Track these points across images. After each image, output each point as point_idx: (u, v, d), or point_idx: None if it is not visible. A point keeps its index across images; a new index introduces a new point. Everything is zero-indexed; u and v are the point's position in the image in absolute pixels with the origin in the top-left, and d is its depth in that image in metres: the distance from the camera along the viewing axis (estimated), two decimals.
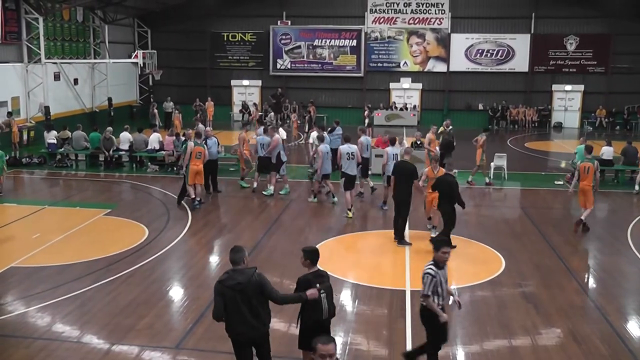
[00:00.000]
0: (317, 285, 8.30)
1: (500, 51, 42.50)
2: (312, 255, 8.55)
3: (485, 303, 12.50)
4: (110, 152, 25.96)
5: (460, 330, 11.31)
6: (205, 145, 20.07)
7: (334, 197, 20.33)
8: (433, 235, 15.61)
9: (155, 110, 37.43)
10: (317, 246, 9.66)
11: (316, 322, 8.46)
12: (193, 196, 19.46)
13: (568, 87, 42.48)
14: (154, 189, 22.31)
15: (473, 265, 14.70)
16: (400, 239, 15.90)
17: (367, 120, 36.53)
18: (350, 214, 18.62)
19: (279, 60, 44.38)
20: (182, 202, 19.91)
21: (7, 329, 11.02)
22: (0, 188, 21.24)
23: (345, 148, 19.06)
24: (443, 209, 15.07)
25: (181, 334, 10.86)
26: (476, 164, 23.21)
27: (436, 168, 16.27)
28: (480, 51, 42.66)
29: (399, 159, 17.90)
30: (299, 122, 36.30)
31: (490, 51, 42.67)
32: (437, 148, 23.18)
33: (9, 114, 30.32)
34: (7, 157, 24.24)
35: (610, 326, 11.35)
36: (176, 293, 13.11)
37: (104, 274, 13.69)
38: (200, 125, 26.05)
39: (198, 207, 19.42)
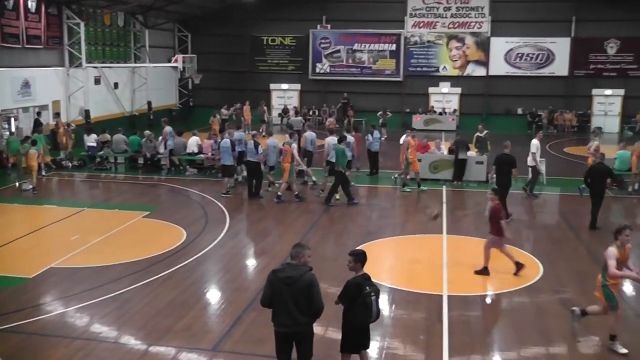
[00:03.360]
0: (367, 288, 8.37)
1: (540, 55, 42.09)
2: (362, 258, 8.59)
3: (523, 309, 12.37)
4: (148, 155, 26.15)
5: (497, 335, 11.27)
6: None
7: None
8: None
9: (265, 108, 38.64)
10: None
11: (362, 324, 8.50)
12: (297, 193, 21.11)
13: (608, 92, 41.88)
14: (192, 192, 22.47)
15: (511, 271, 14.52)
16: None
17: (380, 120, 35.80)
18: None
19: (318, 64, 44.51)
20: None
21: (46, 328, 11.19)
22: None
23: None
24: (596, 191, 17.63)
25: (218, 336, 10.91)
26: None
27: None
28: (519, 55, 42.29)
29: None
30: (336, 125, 36.05)
31: (530, 55, 42.28)
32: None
33: (56, 115, 31.01)
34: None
35: None
36: (213, 295, 13.19)
37: (142, 275, 13.83)
38: (236, 134, 23.51)
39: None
